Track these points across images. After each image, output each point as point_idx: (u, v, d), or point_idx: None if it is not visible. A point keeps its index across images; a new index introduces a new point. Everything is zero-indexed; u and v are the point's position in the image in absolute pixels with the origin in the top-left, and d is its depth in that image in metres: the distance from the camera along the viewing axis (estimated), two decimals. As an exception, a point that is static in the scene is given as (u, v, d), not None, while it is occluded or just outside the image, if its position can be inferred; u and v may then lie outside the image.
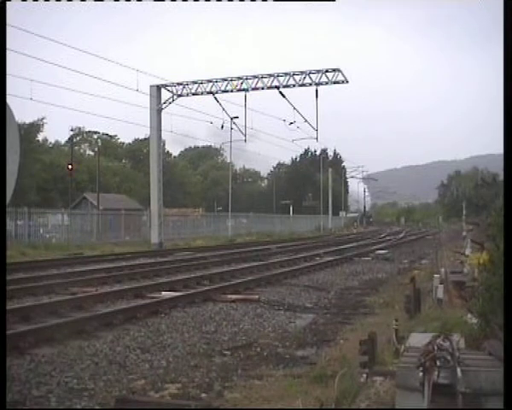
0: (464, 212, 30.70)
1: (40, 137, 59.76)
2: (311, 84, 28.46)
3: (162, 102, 31.24)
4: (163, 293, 11.96)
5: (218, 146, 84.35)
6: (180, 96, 30.98)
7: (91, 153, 76.33)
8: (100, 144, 72.57)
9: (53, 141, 73.42)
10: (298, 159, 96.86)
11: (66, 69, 27.30)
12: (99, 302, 10.81)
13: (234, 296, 11.93)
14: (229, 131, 37.69)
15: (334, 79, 27.99)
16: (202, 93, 30.39)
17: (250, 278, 14.99)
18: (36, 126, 55.54)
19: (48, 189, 55.89)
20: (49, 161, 57.34)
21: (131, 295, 11.64)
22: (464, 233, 21.59)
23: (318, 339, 8.43)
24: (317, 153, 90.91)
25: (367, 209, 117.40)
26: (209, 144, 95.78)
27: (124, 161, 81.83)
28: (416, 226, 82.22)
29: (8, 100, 5.30)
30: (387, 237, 44.12)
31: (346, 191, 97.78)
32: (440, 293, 9.46)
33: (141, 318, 9.35)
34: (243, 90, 29.52)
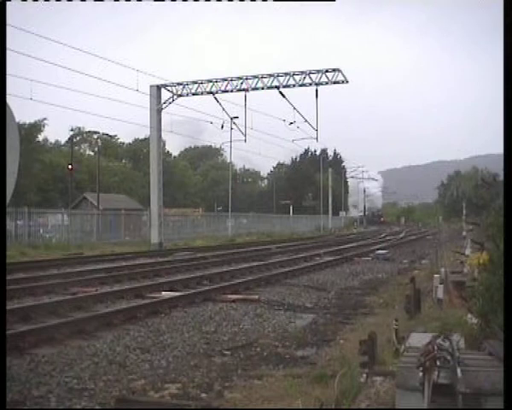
0: (464, 212, 30.65)
1: (40, 137, 59.90)
2: (311, 84, 28.45)
3: (162, 102, 31.26)
4: (163, 293, 11.97)
5: (218, 146, 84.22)
6: (180, 96, 30.98)
7: (91, 153, 76.36)
8: (100, 144, 72.56)
9: (53, 141, 73.60)
10: (298, 159, 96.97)
11: (66, 69, 27.21)
12: (99, 302, 10.82)
13: (234, 296, 11.93)
14: (230, 131, 37.71)
15: (334, 79, 27.98)
16: (202, 93, 30.39)
17: (250, 278, 14.99)
18: (37, 127, 55.58)
19: (48, 189, 55.91)
20: (49, 161, 57.35)
21: (131, 295, 11.65)
22: (464, 233, 21.57)
23: (318, 339, 8.42)
24: (317, 153, 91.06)
25: (379, 208, 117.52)
26: (209, 144, 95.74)
27: (124, 161, 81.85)
28: (415, 226, 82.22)
29: (8, 100, 5.32)
30: (387, 237, 44.12)
31: (346, 191, 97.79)
32: (440, 293, 9.46)
33: (141, 318, 9.35)
34: (243, 90, 29.52)
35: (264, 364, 6.93)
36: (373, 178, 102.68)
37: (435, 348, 4.16)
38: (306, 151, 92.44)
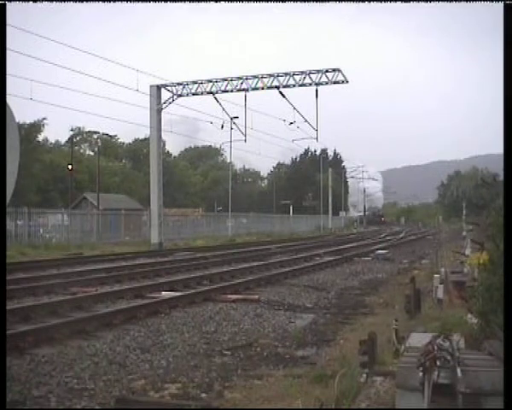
0: (464, 212, 30.69)
1: (40, 137, 59.94)
2: (311, 84, 28.43)
3: (162, 102, 31.25)
4: (163, 293, 11.97)
5: (218, 146, 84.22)
6: (180, 96, 30.97)
7: (91, 153, 76.41)
8: (100, 144, 72.67)
9: (53, 141, 73.66)
10: (298, 159, 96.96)
11: (66, 69, 27.35)
12: (99, 302, 10.82)
13: (234, 296, 11.93)
14: (229, 131, 37.71)
15: (334, 79, 27.96)
16: (202, 93, 30.38)
17: (250, 278, 14.99)
18: (36, 126, 55.60)
19: (48, 189, 55.96)
20: (49, 161, 57.39)
21: (131, 295, 11.64)
22: (464, 233, 21.57)
23: (318, 339, 8.43)
24: (317, 153, 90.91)
25: (379, 208, 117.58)
26: (209, 144, 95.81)
27: (124, 161, 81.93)
28: (416, 226, 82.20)
29: (8, 100, 5.31)
30: (387, 237, 44.10)
31: (346, 191, 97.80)
32: (440, 293, 9.46)
33: (141, 318, 9.35)
34: (243, 90, 29.51)
35: (264, 364, 6.93)
36: (373, 178, 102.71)
37: (435, 348, 4.15)
38: (306, 151, 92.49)
